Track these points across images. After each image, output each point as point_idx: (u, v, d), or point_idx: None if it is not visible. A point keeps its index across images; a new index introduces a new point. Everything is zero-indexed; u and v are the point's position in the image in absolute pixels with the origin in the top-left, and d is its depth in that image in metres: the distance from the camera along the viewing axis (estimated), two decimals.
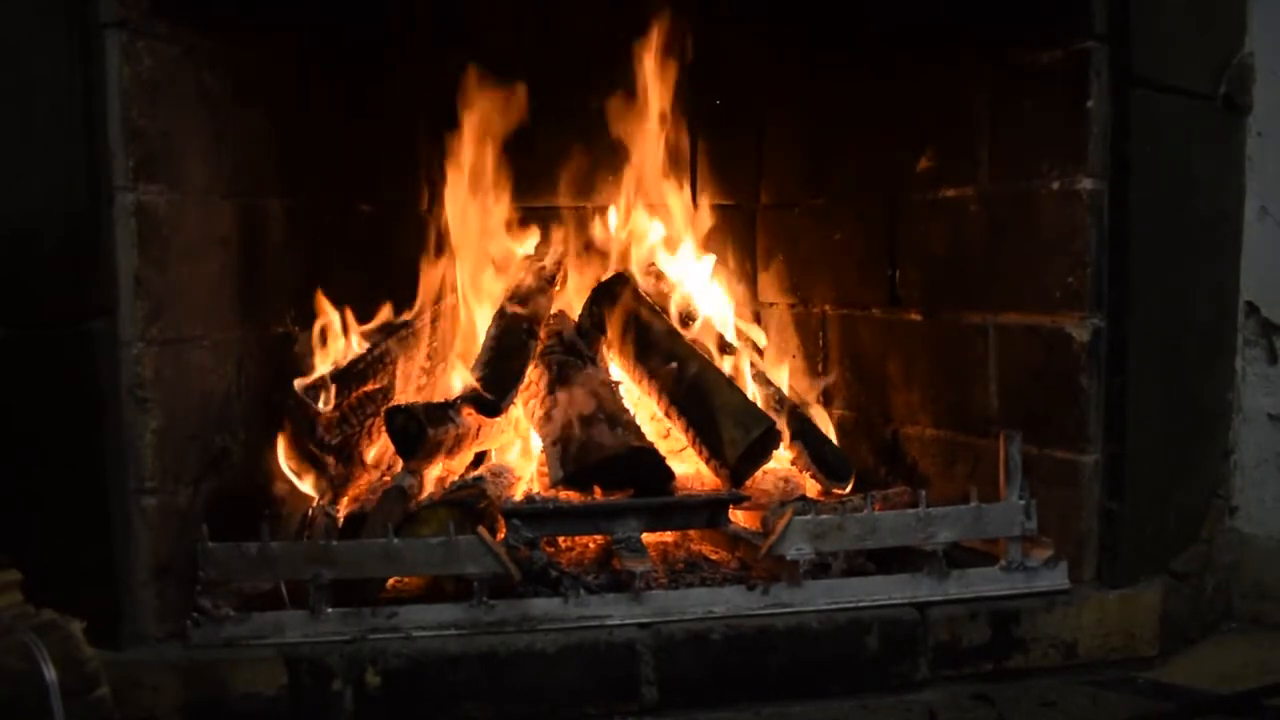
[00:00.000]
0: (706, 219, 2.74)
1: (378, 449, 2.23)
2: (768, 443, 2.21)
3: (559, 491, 2.09)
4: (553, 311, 2.52)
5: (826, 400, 2.53)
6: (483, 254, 2.57)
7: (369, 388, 2.23)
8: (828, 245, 2.50)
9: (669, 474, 2.11)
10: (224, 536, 1.77)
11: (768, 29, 2.51)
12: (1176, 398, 2.02)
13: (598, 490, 2.07)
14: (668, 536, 2.13)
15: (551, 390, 2.22)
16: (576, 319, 2.51)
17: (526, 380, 2.28)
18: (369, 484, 2.20)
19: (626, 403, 2.31)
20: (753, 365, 2.45)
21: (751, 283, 2.81)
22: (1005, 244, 2.02)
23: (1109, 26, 1.85)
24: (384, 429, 2.13)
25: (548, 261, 2.59)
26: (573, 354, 2.34)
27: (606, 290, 2.49)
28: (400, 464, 2.15)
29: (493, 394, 2.17)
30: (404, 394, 2.32)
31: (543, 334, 2.40)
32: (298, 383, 2.08)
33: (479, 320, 2.50)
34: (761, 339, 2.66)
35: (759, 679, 1.80)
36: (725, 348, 2.47)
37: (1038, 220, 1.95)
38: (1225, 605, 2.17)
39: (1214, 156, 2.11)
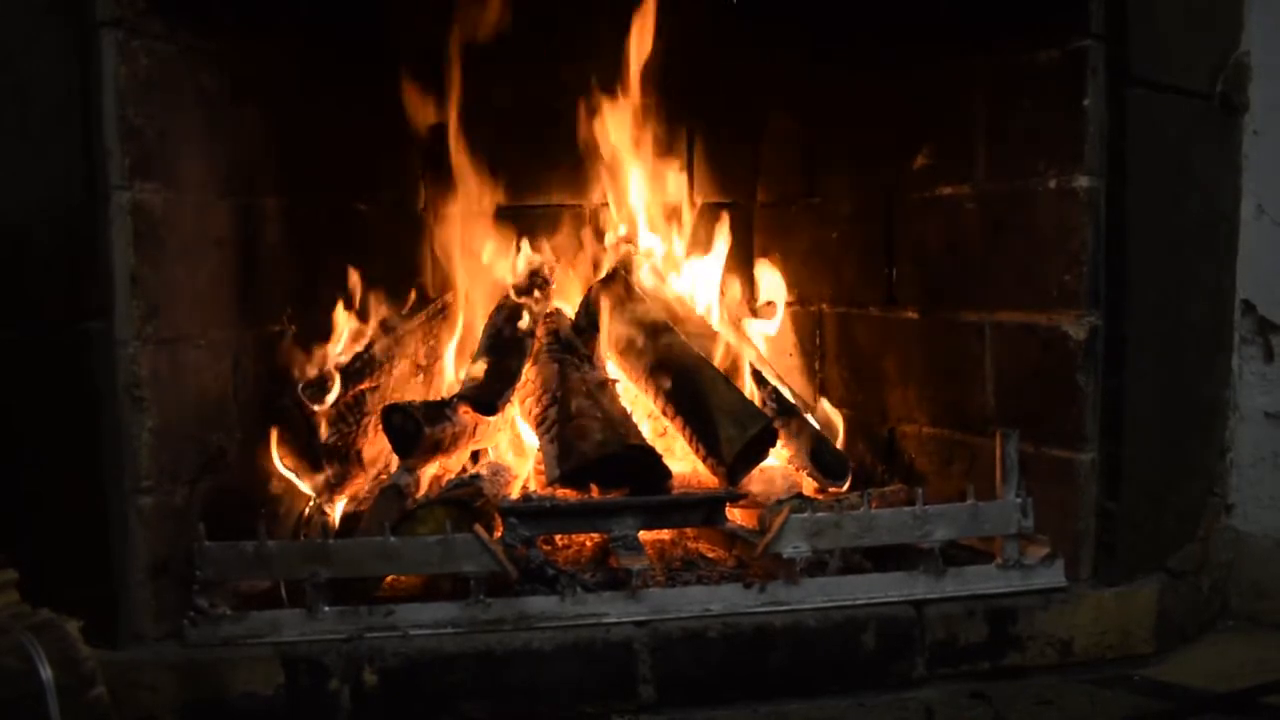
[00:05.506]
0: (704, 217, 2.73)
1: (375, 447, 2.23)
2: (764, 441, 2.20)
3: (556, 490, 2.09)
4: (549, 309, 2.52)
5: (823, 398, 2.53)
6: (479, 252, 2.57)
7: (366, 386, 2.23)
8: (825, 243, 2.50)
9: (666, 472, 2.11)
10: (221, 536, 1.76)
11: (765, 26, 2.51)
12: (1173, 396, 2.02)
13: (594, 488, 2.06)
14: (665, 535, 2.13)
15: (548, 388, 2.22)
16: (573, 317, 2.50)
17: (523, 378, 2.28)
18: (366, 482, 2.20)
19: (623, 401, 2.31)
20: (750, 363, 2.45)
21: (748, 281, 2.81)
22: (1002, 242, 2.02)
23: (1106, 25, 1.85)
24: (381, 427, 2.13)
25: (544, 259, 2.59)
26: (569, 352, 2.34)
27: (603, 288, 2.49)
28: (397, 462, 2.15)
29: (489, 392, 2.17)
30: (401, 392, 2.32)
31: (539, 332, 2.39)
32: (298, 381, 2.08)
33: (476, 318, 2.50)
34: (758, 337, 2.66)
35: (756, 677, 1.80)
36: (722, 346, 2.46)
37: (1035, 218, 1.95)
38: (1222, 603, 2.17)
39: (1211, 155, 2.11)
